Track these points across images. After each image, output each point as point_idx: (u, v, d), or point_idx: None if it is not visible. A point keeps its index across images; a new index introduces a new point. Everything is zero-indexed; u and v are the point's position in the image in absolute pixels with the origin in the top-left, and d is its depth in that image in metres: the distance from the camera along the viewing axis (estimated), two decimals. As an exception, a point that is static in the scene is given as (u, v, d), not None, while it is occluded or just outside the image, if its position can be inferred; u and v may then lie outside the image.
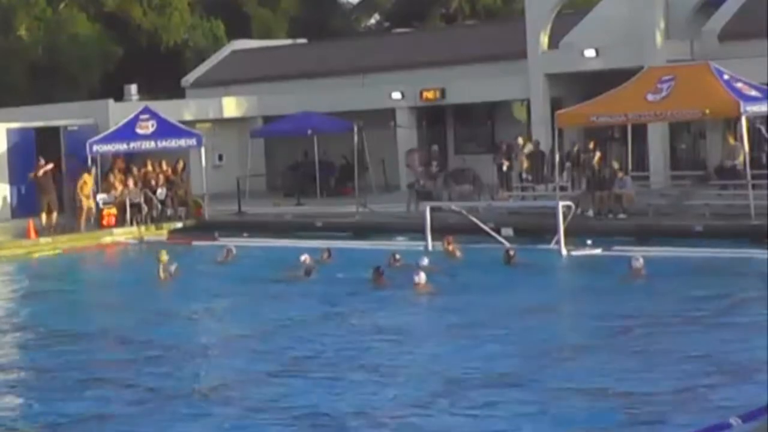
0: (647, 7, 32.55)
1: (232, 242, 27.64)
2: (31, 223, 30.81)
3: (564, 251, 23.50)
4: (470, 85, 36.75)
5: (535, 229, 25.70)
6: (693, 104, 26.47)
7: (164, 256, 23.02)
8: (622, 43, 32.60)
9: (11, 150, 34.77)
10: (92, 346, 17.50)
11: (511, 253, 22.64)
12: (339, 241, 27.10)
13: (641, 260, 20.72)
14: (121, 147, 33.97)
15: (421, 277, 20.19)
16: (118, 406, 13.50)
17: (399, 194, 33.72)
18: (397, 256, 22.73)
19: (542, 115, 33.84)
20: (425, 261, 22.20)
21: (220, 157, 40.55)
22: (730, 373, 13.67)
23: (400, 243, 26.34)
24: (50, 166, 32.54)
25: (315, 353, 15.87)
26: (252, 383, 14.38)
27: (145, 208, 32.44)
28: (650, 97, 27.01)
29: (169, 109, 36.83)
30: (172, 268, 22.91)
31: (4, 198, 34.51)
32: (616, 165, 28.41)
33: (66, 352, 16.93)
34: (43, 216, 31.79)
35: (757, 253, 21.91)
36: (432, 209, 26.24)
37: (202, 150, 34.10)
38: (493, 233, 25.33)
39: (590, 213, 27.36)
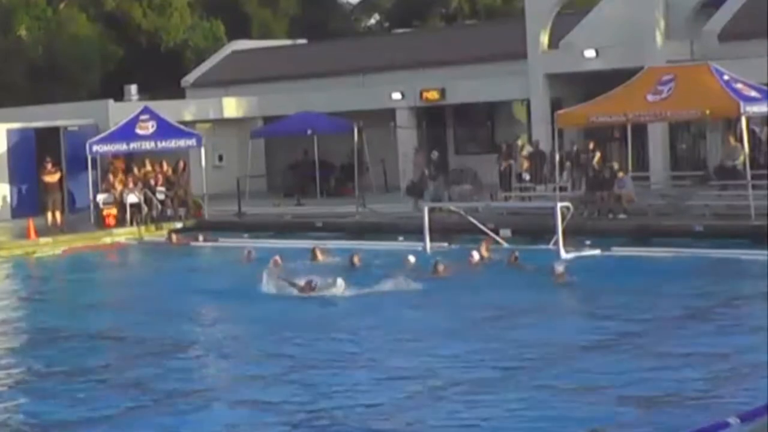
0: (647, 8, 32.51)
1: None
2: (31, 223, 30.80)
3: (563, 252, 23.49)
4: (470, 85, 36.71)
5: (534, 230, 25.69)
6: (693, 105, 26.48)
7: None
8: (622, 43, 32.57)
9: (11, 150, 34.80)
10: (92, 346, 17.50)
11: (516, 255, 22.63)
12: (339, 241, 27.11)
13: (563, 266, 20.88)
14: (121, 147, 34.01)
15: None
16: (119, 405, 13.48)
17: (399, 194, 33.69)
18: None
19: (542, 115, 33.79)
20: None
21: (220, 158, 40.55)
22: (729, 373, 13.67)
23: (400, 243, 26.35)
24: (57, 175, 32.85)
25: (329, 353, 15.92)
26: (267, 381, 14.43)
27: (145, 209, 32.46)
28: (650, 97, 27.03)
29: (169, 110, 36.84)
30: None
31: (4, 198, 34.54)
32: (616, 165, 28.40)
33: (66, 352, 16.95)
34: (49, 215, 31.84)
35: (757, 254, 21.91)
36: (431, 209, 26.24)
37: (202, 150, 34.12)
38: (491, 234, 25.33)
39: (585, 215, 27.30)
